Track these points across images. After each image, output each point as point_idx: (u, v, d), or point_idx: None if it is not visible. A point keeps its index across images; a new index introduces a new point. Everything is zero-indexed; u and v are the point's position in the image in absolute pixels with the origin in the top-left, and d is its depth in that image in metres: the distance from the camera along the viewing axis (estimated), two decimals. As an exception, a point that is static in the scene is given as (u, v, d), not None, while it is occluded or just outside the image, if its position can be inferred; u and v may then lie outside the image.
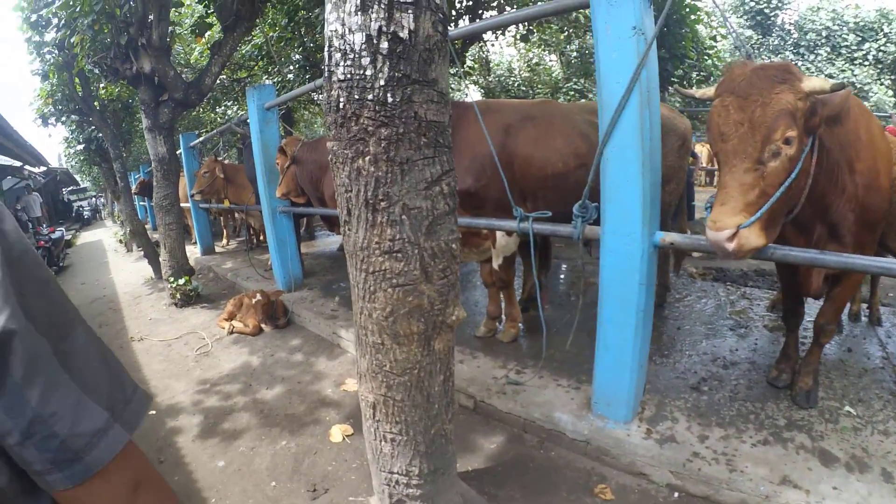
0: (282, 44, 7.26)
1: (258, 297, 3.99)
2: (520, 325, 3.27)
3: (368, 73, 1.23)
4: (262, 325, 4.05)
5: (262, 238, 7.85)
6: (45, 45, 5.81)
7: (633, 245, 1.96)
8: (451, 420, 1.68)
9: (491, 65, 14.46)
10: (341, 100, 1.27)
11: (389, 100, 1.25)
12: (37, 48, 5.88)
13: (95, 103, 6.91)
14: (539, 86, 19.70)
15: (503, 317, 3.32)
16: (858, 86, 16.39)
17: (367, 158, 1.29)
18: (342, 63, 1.25)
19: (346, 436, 2.56)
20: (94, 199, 25.96)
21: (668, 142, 3.03)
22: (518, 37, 9.59)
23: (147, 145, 5.24)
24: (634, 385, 2.15)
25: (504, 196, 2.46)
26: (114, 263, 9.45)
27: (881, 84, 16.81)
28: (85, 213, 20.35)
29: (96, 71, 4.96)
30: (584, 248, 2.29)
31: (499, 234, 2.95)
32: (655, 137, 1.99)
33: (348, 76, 1.25)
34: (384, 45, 1.20)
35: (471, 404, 2.62)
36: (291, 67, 7.98)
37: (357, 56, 1.23)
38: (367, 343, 1.51)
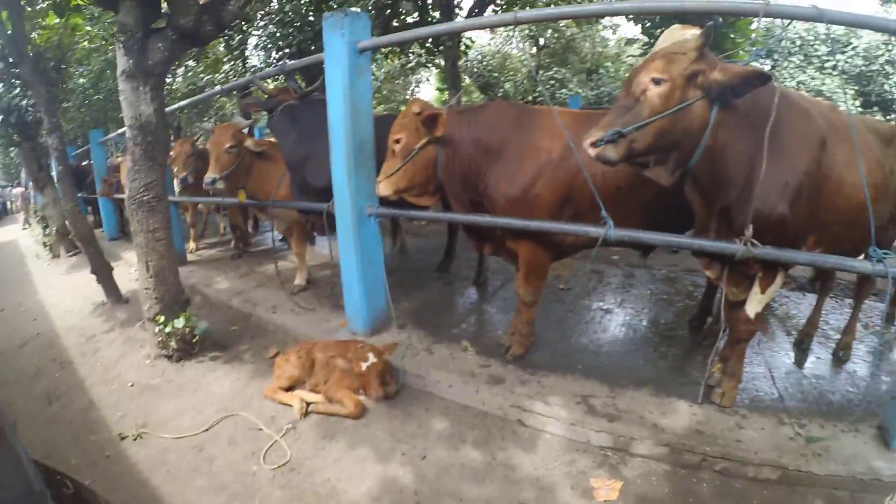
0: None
1: (371, 357, 2.57)
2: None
3: None
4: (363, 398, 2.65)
5: (250, 242, 6.65)
6: None
7: None
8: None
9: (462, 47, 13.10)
10: None
11: None
12: None
13: (28, 47, 4.84)
14: (510, 72, 18.51)
15: (722, 377, 2.53)
16: (828, 94, 16.92)
17: None
18: None
19: None
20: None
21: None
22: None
23: (122, 102, 3.21)
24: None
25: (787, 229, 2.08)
26: (38, 275, 7.17)
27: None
28: None
29: None
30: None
31: (780, 276, 2.27)
32: None
33: None
34: None
35: (775, 476, 2.10)
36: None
37: None
38: None
